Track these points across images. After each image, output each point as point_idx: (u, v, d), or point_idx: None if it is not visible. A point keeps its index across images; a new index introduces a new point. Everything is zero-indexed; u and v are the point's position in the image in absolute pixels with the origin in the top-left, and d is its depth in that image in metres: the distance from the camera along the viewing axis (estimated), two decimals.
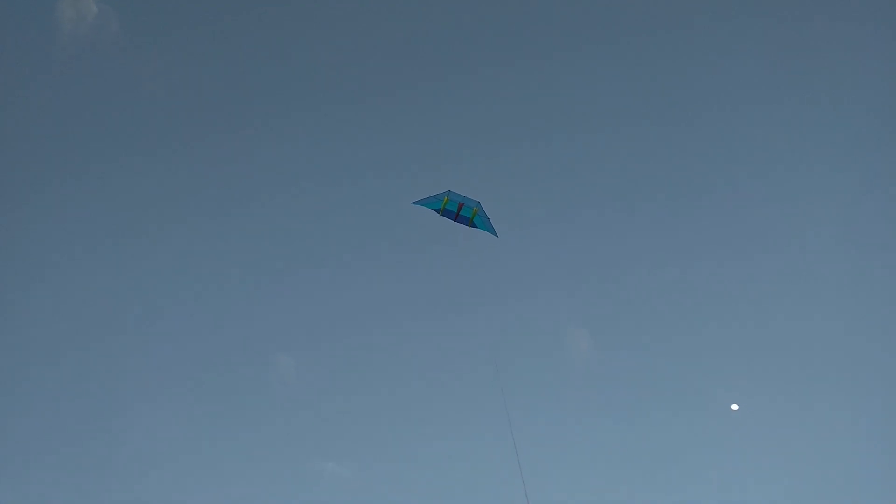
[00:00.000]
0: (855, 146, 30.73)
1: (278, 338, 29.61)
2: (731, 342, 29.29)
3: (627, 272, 30.68)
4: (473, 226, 22.70)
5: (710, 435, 27.72)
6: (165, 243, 30.97)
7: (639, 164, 31.98)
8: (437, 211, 22.67)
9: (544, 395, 28.69)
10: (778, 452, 26.93)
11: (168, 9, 33.36)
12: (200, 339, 29.43)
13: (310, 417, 28.11)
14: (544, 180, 32.41)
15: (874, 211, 29.80)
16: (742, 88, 32.54)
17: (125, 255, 30.49)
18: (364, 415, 28.14)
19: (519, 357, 29.16)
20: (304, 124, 33.06)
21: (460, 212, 22.59)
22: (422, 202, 22.70)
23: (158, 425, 27.50)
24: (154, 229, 31.13)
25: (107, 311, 29.40)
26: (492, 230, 22.67)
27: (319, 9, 33.99)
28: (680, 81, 32.81)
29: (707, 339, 29.42)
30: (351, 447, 27.61)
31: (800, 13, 32.15)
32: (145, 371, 28.57)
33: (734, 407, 27.76)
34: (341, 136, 33.01)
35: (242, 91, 33.26)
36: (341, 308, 30.04)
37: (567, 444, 27.93)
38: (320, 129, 33.06)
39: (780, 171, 31.42)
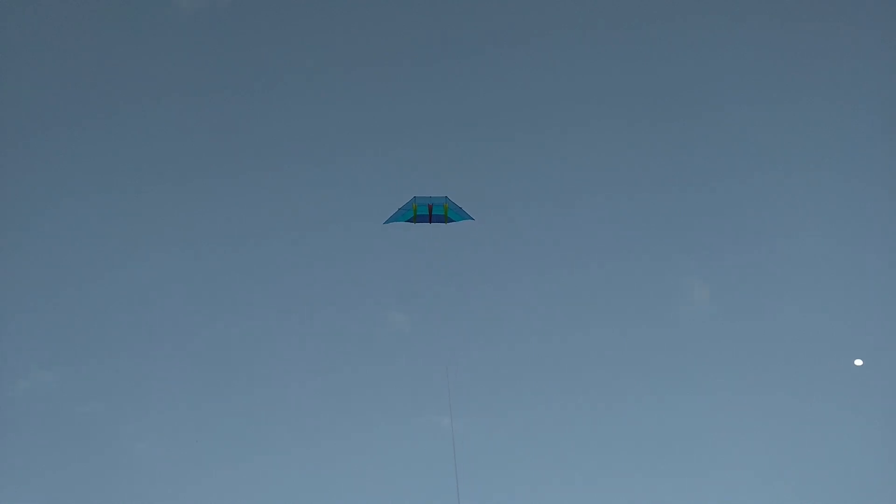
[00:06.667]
0: None
1: (391, 296, 30.11)
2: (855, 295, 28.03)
3: (750, 232, 29.80)
4: (450, 220, 22.73)
5: (832, 392, 26.58)
6: (291, 207, 31.36)
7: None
8: (410, 220, 22.72)
9: (656, 352, 28.40)
10: None
11: None
12: (319, 295, 30.16)
13: (424, 372, 28.04)
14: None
15: None
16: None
17: (251, 213, 31.18)
18: (476, 371, 28.46)
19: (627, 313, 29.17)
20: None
21: (432, 212, 22.51)
22: (392, 219, 22.73)
23: (278, 384, 28.68)
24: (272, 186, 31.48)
25: (226, 272, 30.33)
26: (468, 216, 22.78)
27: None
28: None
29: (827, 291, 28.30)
30: (463, 403, 27.47)
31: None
32: (265, 332, 29.50)
33: (858, 362, 26.37)
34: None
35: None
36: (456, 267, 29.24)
37: (684, 404, 27.30)
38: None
39: None
